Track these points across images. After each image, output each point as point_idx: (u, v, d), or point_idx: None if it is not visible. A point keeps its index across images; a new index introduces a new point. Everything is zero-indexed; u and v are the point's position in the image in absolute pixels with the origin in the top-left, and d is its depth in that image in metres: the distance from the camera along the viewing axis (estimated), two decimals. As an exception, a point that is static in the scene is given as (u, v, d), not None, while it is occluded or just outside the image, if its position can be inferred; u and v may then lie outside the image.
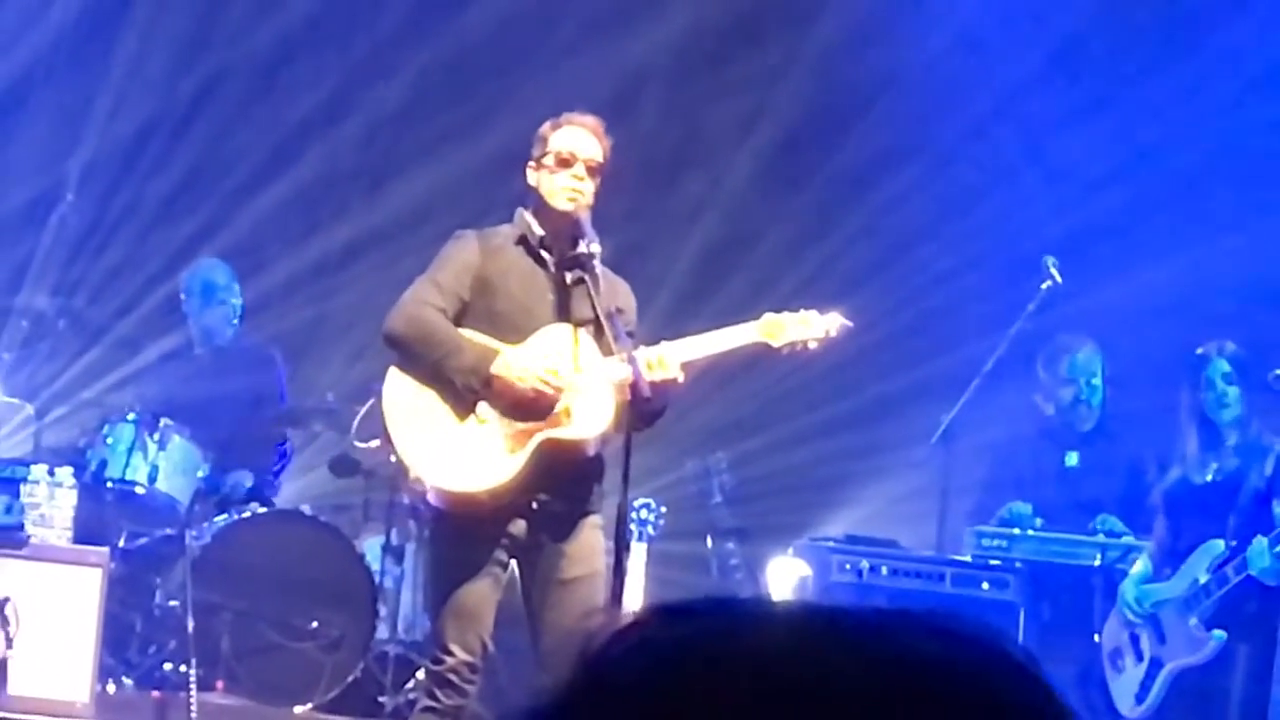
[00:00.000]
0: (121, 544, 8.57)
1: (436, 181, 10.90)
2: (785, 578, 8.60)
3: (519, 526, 5.99)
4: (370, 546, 8.97)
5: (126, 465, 8.58)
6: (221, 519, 8.64)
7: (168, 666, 8.34)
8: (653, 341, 6.02)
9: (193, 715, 7.80)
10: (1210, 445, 7.78)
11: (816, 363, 7.36)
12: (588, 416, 5.96)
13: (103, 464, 8.57)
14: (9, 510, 8.02)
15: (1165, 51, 10.34)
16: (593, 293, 5.98)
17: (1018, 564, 8.36)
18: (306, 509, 9.03)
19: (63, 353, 9.94)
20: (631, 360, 5.83)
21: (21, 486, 8.05)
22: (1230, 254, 9.63)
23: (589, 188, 6.11)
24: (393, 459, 6.59)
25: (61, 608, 7.67)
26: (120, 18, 11.02)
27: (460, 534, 6.00)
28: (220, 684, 8.28)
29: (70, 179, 10.62)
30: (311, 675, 8.38)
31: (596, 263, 6.02)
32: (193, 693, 7.92)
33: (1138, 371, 9.01)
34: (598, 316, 5.96)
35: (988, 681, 1.16)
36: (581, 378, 5.96)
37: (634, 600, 6.61)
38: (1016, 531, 8.46)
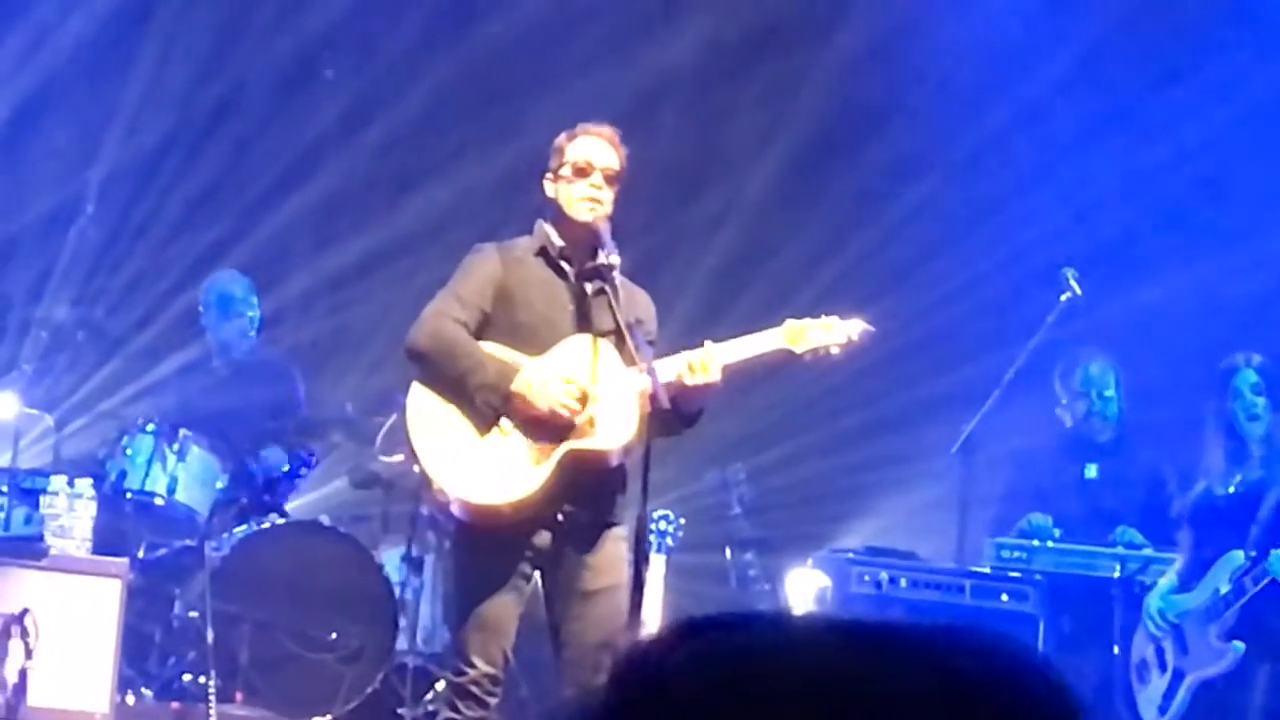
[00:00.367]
0: (141, 555, 8.57)
1: (454, 194, 10.91)
2: (804, 589, 8.60)
3: (543, 538, 5.99)
4: (390, 558, 8.97)
5: (146, 476, 8.59)
6: (241, 530, 8.65)
7: (187, 678, 8.35)
8: (671, 352, 6.02)
9: (212, 726, 7.81)
10: (1236, 457, 7.77)
11: (835, 374, 7.37)
12: (611, 427, 5.96)
13: (122, 475, 8.58)
14: (28, 521, 8.03)
15: (1183, 63, 10.33)
16: (613, 303, 5.98)
17: (1037, 576, 8.35)
18: (326, 520, 9.04)
19: (82, 364, 9.95)
20: (651, 371, 5.83)
21: (41, 497, 8.07)
22: (1249, 266, 9.62)
23: (608, 196, 6.11)
24: (416, 470, 6.59)
25: (81, 619, 7.67)
26: (139, 31, 11.05)
27: (484, 546, 6.00)
28: (239, 695, 8.28)
29: (90, 191, 10.64)
30: (331, 687, 8.38)
31: (616, 273, 6.02)
32: (212, 704, 7.92)
33: (1158, 383, 8.99)
34: (619, 327, 5.96)
35: (1024, 694, 1.16)
36: (604, 389, 5.96)
37: (653, 612, 6.61)
38: (1036, 543, 8.45)
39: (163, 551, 8.71)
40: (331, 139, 11.25)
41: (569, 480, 5.94)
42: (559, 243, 6.13)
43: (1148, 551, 8.30)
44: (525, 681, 8.35)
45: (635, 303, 6.18)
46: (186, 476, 8.63)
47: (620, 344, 6.00)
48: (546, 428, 5.97)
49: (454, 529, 6.25)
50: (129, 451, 8.62)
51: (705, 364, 5.89)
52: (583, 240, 6.10)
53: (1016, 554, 8.44)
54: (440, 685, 8.52)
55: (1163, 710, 7.71)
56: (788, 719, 1.13)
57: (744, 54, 11.11)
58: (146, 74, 11.00)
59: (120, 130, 10.95)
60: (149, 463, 8.58)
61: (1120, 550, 8.34)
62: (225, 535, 8.65)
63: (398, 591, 8.66)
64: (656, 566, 7.31)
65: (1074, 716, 1.20)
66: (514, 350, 6.04)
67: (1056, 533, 8.53)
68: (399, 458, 8.44)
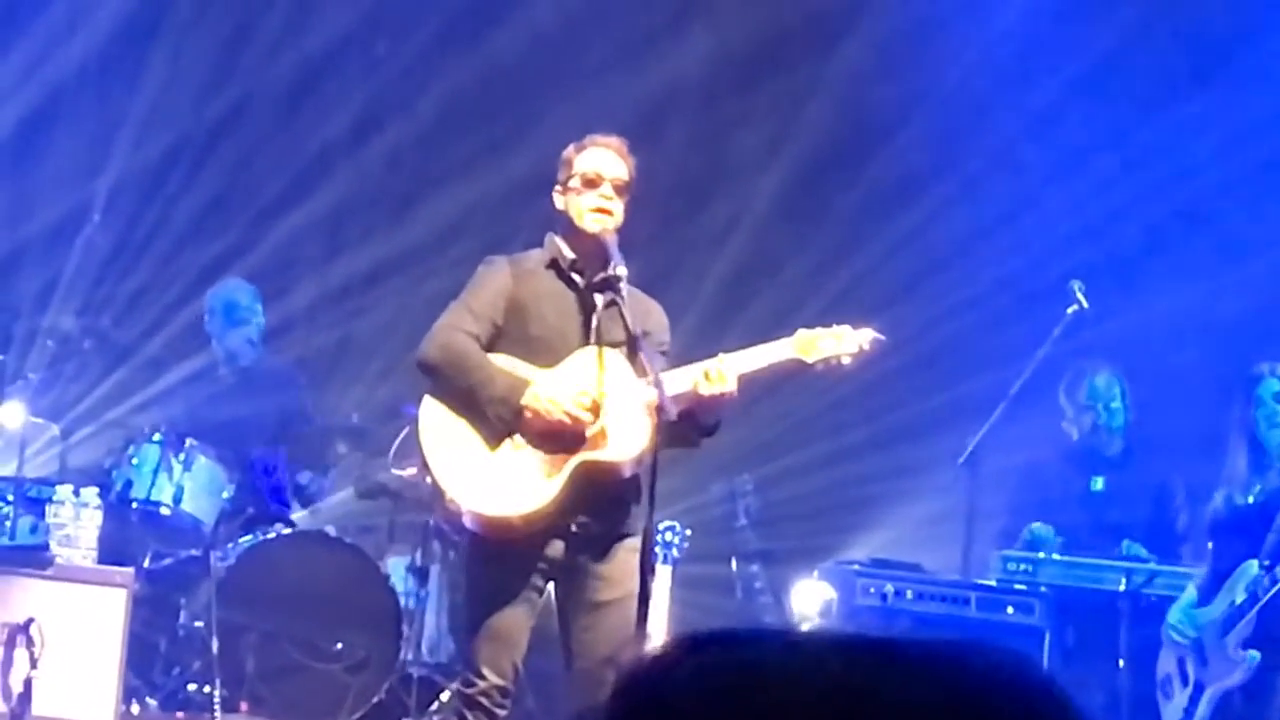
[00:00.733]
0: (146, 564, 8.58)
1: (462, 204, 10.92)
2: (810, 601, 8.59)
3: (556, 549, 5.99)
4: (395, 568, 8.98)
5: (152, 486, 8.58)
6: (246, 540, 8.65)
7: (192, 687, 8.35)
8: (680, 364, 6.02)
9: (217, 736, 7.82)
10: (1258, 466, 7.74)
11: (841, 386, 7.37)
12: (624, 438, 5.95)
13: (128, 484, 8.58)
14: (34, 530, 8.04)
15: (1191, 76, 10.33)
16: (625, 314, 5.98)
17: (1043, 588, 8.34)
18: (331, 530, 9.04)
19: (89, 373, 9.96)
20: (657, 382, 5.83)
21: (47, 507, 8.08)
22: (1259, 278, 9.61)
23: (618, 207, 6.11)
24: (428, 481, 6.60)
25: (86, 628, 7.68)
26: (147, 41, 11.06)
27: (497, 558, 5.99)
28: (244, 705, 8.29)
29: (97, 200, 10.65)
30: (336, 696, 8.38)
31: (623, 285, 6.02)
32: (217, 714, 7.93)
33: (1165, 396, 8.99)
34: (630, 338, 5.96)
35: (1028, 708, 1.16)
36: (615, 400, 5.96)
37: (658, 624, 6.60)
38: (1042, 556, 8.44)
39: (168, 561, 8.72)
40: (339, 149, 11.26)
41: (582, 492, 5.94)
42: (570, 255, 6.13)
43: (1154, 565, 8.29)
44: (532, 692, 8.35)
45: (648, 313, 6.19)
46: (193, 486, 8.63)
47: (633, 355, 6.00)
48: (559, 440, 5.96)
49: (467, 541, 6.24)
50: (135, 461, 8.62)
51: (721, 374, 5.88)
52: (593, 252, 6.10)
53: (1022, 567, 8.43)
54: (445, 695, 8.53)
55: None
56: None
57: (752, 66, 11.11)
58: (154, 84, 11.02)
59: (128, 140, 10.97)
60: (155, 472, 8.58)
61: (1126, 563, 8.33)
62: (231, 545, 8.65)
63: (403, 601, 8.67)
64: (662, 577, 7.30)
65: None
66: (526, 363, 6.04)
67: (1058, 540, 8.52)
68: (412, 470, 8.44)
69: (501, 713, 6.04)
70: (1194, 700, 7.67)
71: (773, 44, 11.07)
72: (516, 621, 5.99)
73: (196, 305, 10.02)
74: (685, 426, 5.96)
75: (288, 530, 8.79)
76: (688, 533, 7.77)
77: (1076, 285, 8.54)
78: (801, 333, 6.12)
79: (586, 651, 5.98)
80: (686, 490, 9.16)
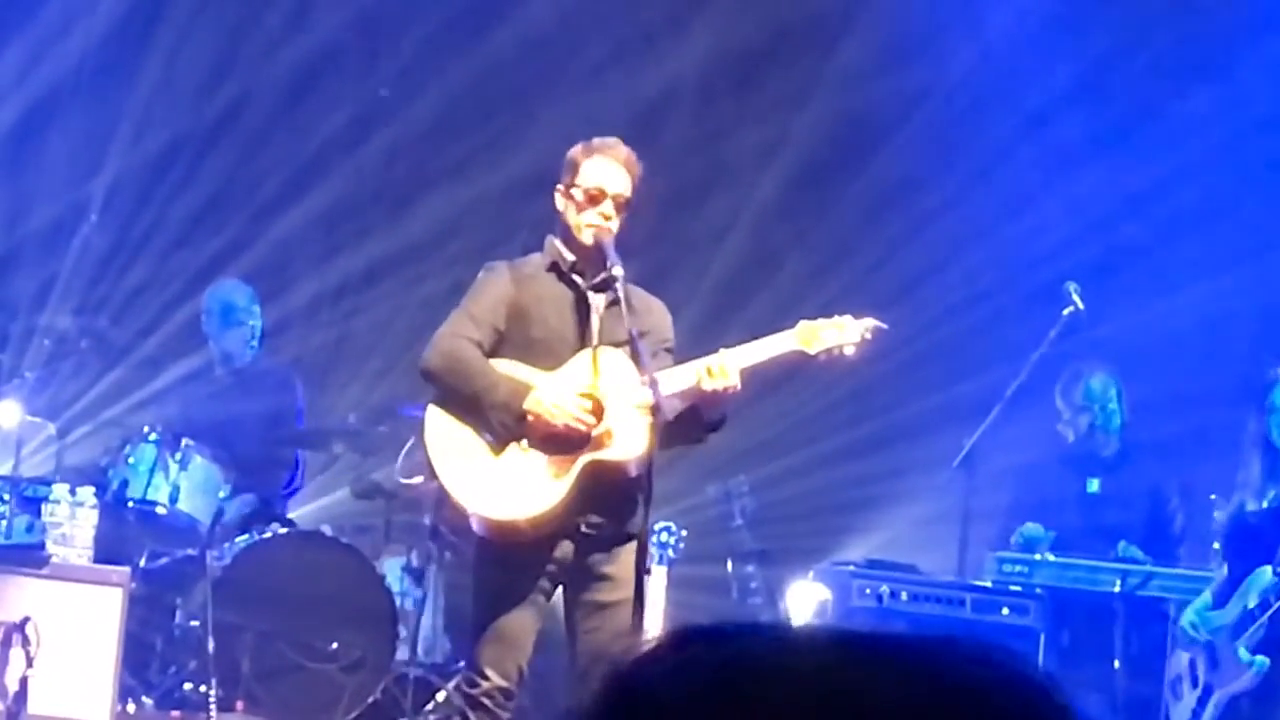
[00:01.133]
0: (142, 564, 8.57)
1: (459, 204, 10.92)
2: (805, 602, 8.59)
3: (565, 550, 5.99)
4: (391, 568, 8.97)
5: (148, 485, 8.58)
6: (243, 539, 8.65)
7: (188, 687, 8.35)
8: (680, 362, 6.02)
9: (213, 736, 7.81)
10: (1272, 473, 7.68)
11: (837, 387, 7.38)
12: (628, 437, 5.96)
13: (124, 484, 8.58)
14: (30, 529, 8.04)
15: (1188, 78, 10.33)
16: (626, 314, 5.98)
17: (1038, 590, 8.35)
18: (327, 530, 9.05)
19: (85, 373, 9.96)
20: (652, 382, 5.83)
21: (43, 506, 8.07)
22: (1255, 281, 9.61)
23: (615, 222, 6.12)
24: (434, 484, 6.60)
25: (82, 627, 7.67)
26: (144, 41, 11.05)
27: (505, 561, 6.00)
28: (240, 705, 8.29)
29: (94, 200, 10.65)
30: (332, 696, 8.38)
31: (619, 284, 6.02)
32: (213, 713, 7.93)
33: (1161, 398, 8.98)
34: (629, 337, 5.97)
35: (1021, 706, 1.16)
36: (618, 400, 5.96)
37: (654, 624, 6.60)
38: (1038, 557, 8.44)
39: (164, 560, 8.71)
40: (336, 149, 11.25)
41: (589, 492, 5.95)
42: (570, 257, 6.14)
43: (1149, 566, 8.29)
44: (527, 689, 8.34)
45: (650, 311, 6.20)
46: (189, 485, 8.62)
47: (634, 355, 6.00)
48: (564, 442, 5.97)
49: (475, 544, 6.24)
50: (131, 460, 8.61)
51: (723, 369, 5.87)
52: (592, 254, 6.11)
53: (1018, 568, 8.43)
54: (441, 695, 8.53)
55: None
56: None
57: (750, 66, 11.12)
58: (150, 84, 11.01)
59: (124, 139, 10.96)
60: (151, 471, 8.58)
61: (1122, 565, 8.33)
62: (227, 545, 8.65)
63: (399, 602, 8.67)
64: (658, 578, 7.30)
65: None
66: (529, 366, 6.04)
67: (1050, 535, 8.52)
68: (419, 479, 8.44)
69: (505, 715, 6.05)
70: (1202, 702, 7.66)
71: (771, 44, 11.07)
72: (523, 624, 6.00)
73: (193, 305, 10.01)
74: (690, 423, 5.97)
75: (284, 530, 8.79)
76: (683, 534, 7.77)
77: (1072, 287, 8.53)
78: (803, 324, 6.10)
79: (594, 651, 5.99)
80: (682, 491, 9.16)
